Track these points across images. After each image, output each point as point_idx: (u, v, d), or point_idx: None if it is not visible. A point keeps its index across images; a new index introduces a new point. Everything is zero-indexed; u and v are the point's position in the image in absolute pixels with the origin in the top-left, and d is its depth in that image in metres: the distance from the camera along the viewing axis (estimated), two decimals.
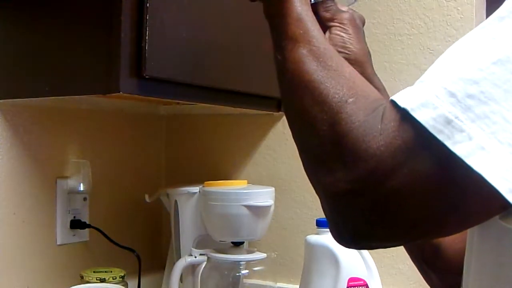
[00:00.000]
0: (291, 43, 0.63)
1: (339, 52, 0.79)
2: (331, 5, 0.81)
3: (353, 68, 0.62)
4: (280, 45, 0.64)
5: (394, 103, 0.51)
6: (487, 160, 0.46)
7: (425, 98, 0.49)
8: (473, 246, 0.60)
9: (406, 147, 0.50)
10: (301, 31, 0.63)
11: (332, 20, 0.81)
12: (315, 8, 0.76)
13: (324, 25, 0.79)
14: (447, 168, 0.48)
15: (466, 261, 0.62)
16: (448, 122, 0.47)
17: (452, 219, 0.51)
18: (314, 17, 0.67)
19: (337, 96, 0.55)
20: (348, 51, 0.80)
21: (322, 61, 0.59)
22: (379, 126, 0.51)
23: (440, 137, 0.48)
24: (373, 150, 0.50)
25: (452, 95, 0.48)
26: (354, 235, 0.55)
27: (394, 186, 0.50)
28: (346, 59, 0.78)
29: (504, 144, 0.46)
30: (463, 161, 0.47)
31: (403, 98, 0.50)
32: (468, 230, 0.61)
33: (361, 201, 0.52)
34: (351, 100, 0.54)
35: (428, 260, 0.81)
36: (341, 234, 0.56)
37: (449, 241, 0.77)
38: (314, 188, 0.58)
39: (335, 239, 0.57)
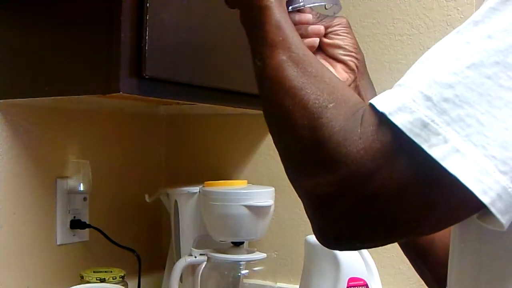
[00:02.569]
0: (270, 50, 0.64)
1: (351, 51, 0.82)
2: (320, 15, 0.83)
3: (333, 73, 0.63)
4: (259, 52, 0.65)
5: (373, 107, 0.52)
6: (462, 162, 0.47)
7: (402, 102, 0.50)
8: (455, 246, 0.61)
9: (385, 151, 0.51)
10: (281, 38, 0.64)
11: (332, 26, 0.83)
12: (292, 16, 0.78)
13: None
14: (425, 170, 0.49)
15: (449, 260, 0.63)
16: (425, 125, 0.49)
17: (432, 219, 0.53)
18: (293, 25, 0.67)
19: (317, 101, 0.56)
20: (358, 51, 0.83)
21: (302, 67, 0.60)
22: (359, 130, 0.52)
23: (417, 140, 0.49)
24: (353, 154, 0.51)
25: (428, 98, 0.49)
26: (337, 237, 0.57)
27: (374, 188, 0.51)
28: (356, 57, 0.82)
29: (478, 147, 0.47)
30: (439, 163, 0.48)
31: (381, 102, 0.51)
32: (452, 230, 0.62)
33: (343, 204, 0.53)
34: (331, 105, 0.55)
35: (421, 254, 0.82)
36: (324, 236, 0.58)
37: (441, 236, 0.78)
38: (297, 192, 0.59)
39: (318, 241, 0.58)
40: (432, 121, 0.48)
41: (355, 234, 0.55)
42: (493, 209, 0.47)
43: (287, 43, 0.63)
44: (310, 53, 0.64)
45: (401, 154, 0.50)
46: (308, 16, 0.82)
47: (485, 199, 0.47)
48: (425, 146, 0.48)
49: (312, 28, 0.82)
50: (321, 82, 0.58)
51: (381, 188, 0.51)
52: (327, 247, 0.59)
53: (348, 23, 0.84)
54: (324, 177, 0.53)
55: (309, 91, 0.57)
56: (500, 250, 0.54)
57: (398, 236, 0.58)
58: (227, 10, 0.80)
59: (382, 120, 0.51)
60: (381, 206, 0.51)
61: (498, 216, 0.47)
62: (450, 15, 1.32)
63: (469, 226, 0.56)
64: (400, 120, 0.49)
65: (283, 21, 0.66)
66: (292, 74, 0.60)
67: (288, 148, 0.59)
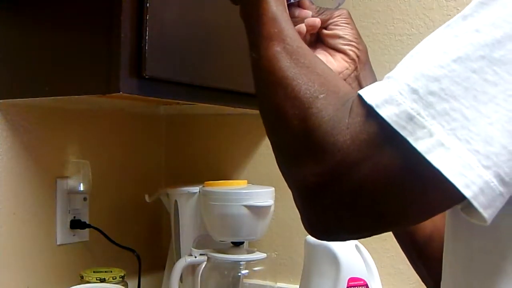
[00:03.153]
0: (265, 42, 0.65)
1: (351, 41, 0.83)
2: (321, 8, 0.85)
3: (326, 65, 0.64)
4: (255, 44, 0.66)
5: (361, 98, 0.53)
6: (445, 156, 0.48)
7: (389, 94, 0.51)
8: (449, 240, 0.61)
9: (371, 142, 0.51)
10: (276, 30, 0.65)
11: (332, 17, 0.84)
12: (292, 9, 0.80)
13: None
14: (409, 163, 0.50)
15: (443, 253, 0.63)
16: (411, 118, 0.49)
17: (415, 210, 0.53)
18: (289, 17, 0.68)
19: (308, 92, 0.57)
20: (359, 41, 0.84)
21: (295, 59, 0.61)
22: (347, 121, 0.53)
23: (403, 133, 0.49)
24: (340, 143, 0.52)
25: (414, 91, 0.50)
26: (325, 227, 0.57)
27: (360, 178, 0.51)
28: (357, 47, 0.83)
29: (462, 141, 0.48)
30: (424, 156, 0.48)
31: (369, 94, 0.52)
32: (445, 224, 0.63)
33: (329, 194, 0.53)
34: (322, 95, 0.56)
35: (418, 249, 0.82)
36: (313, 226, 0.58)
37: (439, 232, 0.78)
38: (286, 182, 0.59)
39: (307, 231, 0.59)
40: (418, 114, 0.49)
41: (342, 224, 0.56)
42: (475, 203, 0.48)
43: (282, 35, 0.64)
44: (304, 45, 0.65)
45: (387, 145, 0.51)
46: (308, 13, 0.83)
47: (467, 193, 0.47)
48: (410, 139, 0.49)
49: (308, 20, 0.83)
50: (313, 73, 0.59)
51: (366, 179, 0.51)
52: (316, 237, 0.60)
53: (349, 14, 0.85)
54: (312, 167, 0.54)
55: (300, 82, 0.58)
56: (491, 244, 0.55)
57: (384, 227, 0.58)
58: (227, 10, 0.80)
59: (370, 111, 0.51)
60: (367, 196, 0.52)
61: (481, 210, 0.48)
62: (450, 15, 1.31)
63: (461, 220, 0.56)
64: (386, 113, 0.50)
65: (279, 14, 0.67)
66: (285, 65, 0.61)
67: (279, 138, 0.61)
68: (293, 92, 0.58)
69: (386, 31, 1.38)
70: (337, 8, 0.86)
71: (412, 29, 1.36)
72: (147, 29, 1.01)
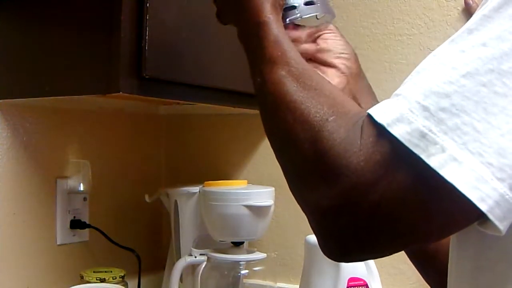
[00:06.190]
0: (269, 66, 0.64)
1: (341, 53, 0.83)
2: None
3: (333, 85, 0.63)
4: (258, 68, 0.65)
5: (371, 118, 0.52)
6: (459, 170, 0.47)
7: (400, 113, 0.50)
8: (454, 250, 0.61)
9: (384, 162, 0.51)
10: (279, 53, 0.64)
11: (320, 30, 0.84)
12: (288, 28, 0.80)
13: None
14: (424, 180, 0.49)
15: (448, 265, 0.63)
16: (423, 135, 0.49)
17: (434, 228, 0.53)
18: (290, 39, 0.68)
19: (318, 115, 0.56)
20: (349, 52, 0.84)
21: (302, 81, 0.60)
22: (359, 142, 0.52)
23: (415, 150, 0.49)
24: (353, 165, 0.51)
25: (425, 109, 0.49)
26: (342, 250, 0.57)
27: (375, 199, 0.51)
28: (347, 59, 0.83)
29: (475, 154, 0.48)
30: (437, 172, 0.48)
31: (379, 113, 0.52)
32: (451, 236, 0.62)
33: (345, 216, 0.53)
34: (331, 118, 0.56)
35: (429, 259, 0.82)
36: (330, 249, 0.58)
37: (448, 240, 0.78)
38: (300, 206, 0.59)
39: (325, 254, 0.58)
40: (430, 131, 0.49)
41: (360, 246, 0.55)
42: (491, 216, 0.47)
43: (286, 58, 0.64)
44: (309, 66, 0.64)
45: (401, 164, 0.50)
46: (296, 34, 0.83)
47: (483, 206, 0.47)
48: (423, 156, 0.48)
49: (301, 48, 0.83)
50: (321, 95, 0.59)
51: (382, 199, 0.51)
52: (334, 260, 0.59)
53: (335, 27, 0.85)
54: (325, 190, 0.53)
55: (309, 105, 0.58)
56: (500, 254, 0.54)
57: (402, 245, 0.58)
58: None
59: (381, 131, 0.51)
60: (383, 217, 0.51)
61: (496, 222, 0.48)
62: (450, 15, 1.32)
63: (468, 231, 0.56)
64: (398, 131, 0.50)
65: (281, 36, 0.67)
66: (292, 88, 0.60)
67: (290, 163, 0.60)
68: (302, 115, 0.57)
69: (386, 31, 1.38)
70: (325, 24, 0.86)
71: (412, 29, 1.36)
72: (147, 29, 1.01)
